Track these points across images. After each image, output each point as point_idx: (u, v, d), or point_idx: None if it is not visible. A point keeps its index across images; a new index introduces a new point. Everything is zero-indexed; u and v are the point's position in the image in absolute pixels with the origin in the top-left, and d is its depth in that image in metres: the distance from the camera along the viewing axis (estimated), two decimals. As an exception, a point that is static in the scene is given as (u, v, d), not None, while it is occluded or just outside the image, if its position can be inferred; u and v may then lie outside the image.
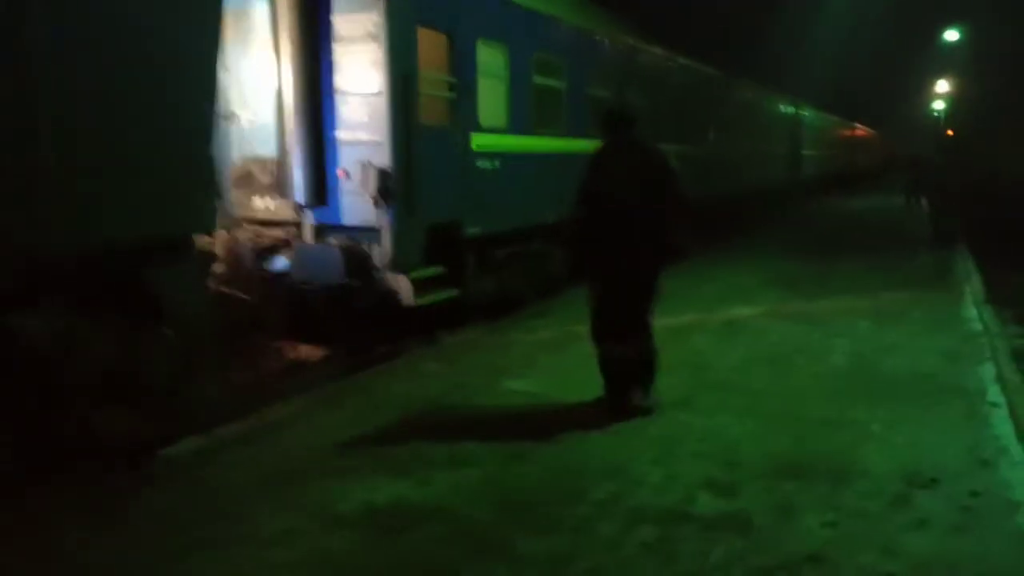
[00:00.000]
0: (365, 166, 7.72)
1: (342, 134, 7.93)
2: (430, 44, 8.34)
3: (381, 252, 7.87)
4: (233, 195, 8.71)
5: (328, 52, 7.84)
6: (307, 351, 8.70)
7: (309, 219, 8.24)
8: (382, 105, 7.67)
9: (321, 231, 8.25)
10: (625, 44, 13.37)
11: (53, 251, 4.86)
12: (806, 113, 31.12)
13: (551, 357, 7.33)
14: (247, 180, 8.64)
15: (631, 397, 5.68)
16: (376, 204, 7.69)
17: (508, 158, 9.60)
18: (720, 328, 8.46)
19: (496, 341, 8.13)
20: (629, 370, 5.67)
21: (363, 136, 7.83)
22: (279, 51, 7.74)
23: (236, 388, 7.10)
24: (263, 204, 8.52)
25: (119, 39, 5.05)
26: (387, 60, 7.58)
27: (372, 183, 7.67)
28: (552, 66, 10.66)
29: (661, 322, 8.58)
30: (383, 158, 7.72)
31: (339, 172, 7.98)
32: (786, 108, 27.83)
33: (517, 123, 9.80)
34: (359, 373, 7.09)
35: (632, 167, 5.51)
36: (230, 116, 8.73)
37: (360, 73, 7.75)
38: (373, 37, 7.61)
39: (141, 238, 5.36)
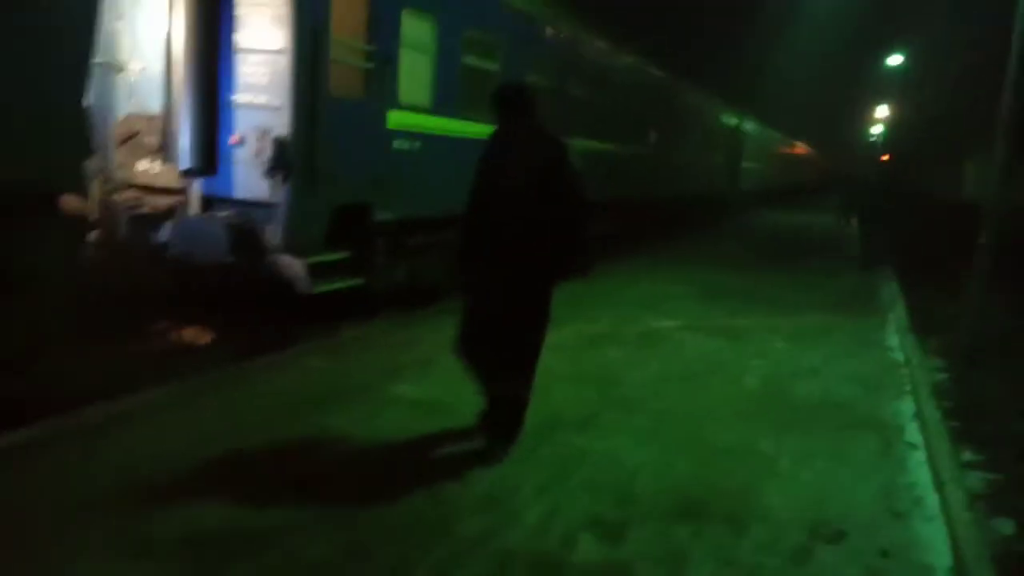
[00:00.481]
0: (262, 133, 6.97)
1: (239, 96, 7.15)
2: (347, 6, 7.61)
3: (274, 231, 7.12)
4: (118, 155, 7.86)
5: (230, 5, 7.04)
6: (189, 334, 7.91)
7: (196, 188, 7.43)
8: (285, 65, 6.90)
9: (210, 203, 7.46)
10: (569, 34, 12.81)
11: None
12: (749, 126, 31.17)
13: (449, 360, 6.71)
14: (133, 139, 7.78)
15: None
16: (271, 177, 6.95)
17: (430, 140, 8.93)
18: (636, 340, 7.98)
19: (399, 337, 7.48)
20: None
21: (262, 100, 7.06)
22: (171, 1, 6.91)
23: (93, 370, 6.29)
24: (149, 167, 7.68)
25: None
26: (293, 14, 6.82)
27: (268, 153, 6.93)
28: (486, 46, 10.02)
29: (574, 328, 8.46)
30: (283, 126, 6.97)
31: (232, 139, 7.20)
32: (729, 118, 27.76)
33: (442, 104, 9.14)
34: (233, 366, 6.36)
35: (526, 161, 4.54)
36: (119, 66, 7.86)
37: (263, 29, 6.97)
38: (280, -12, 6.85)
39: None
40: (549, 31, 11.98)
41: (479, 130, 9.84)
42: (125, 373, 6.25)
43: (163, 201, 7.70)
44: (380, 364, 6.49)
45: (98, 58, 7.57)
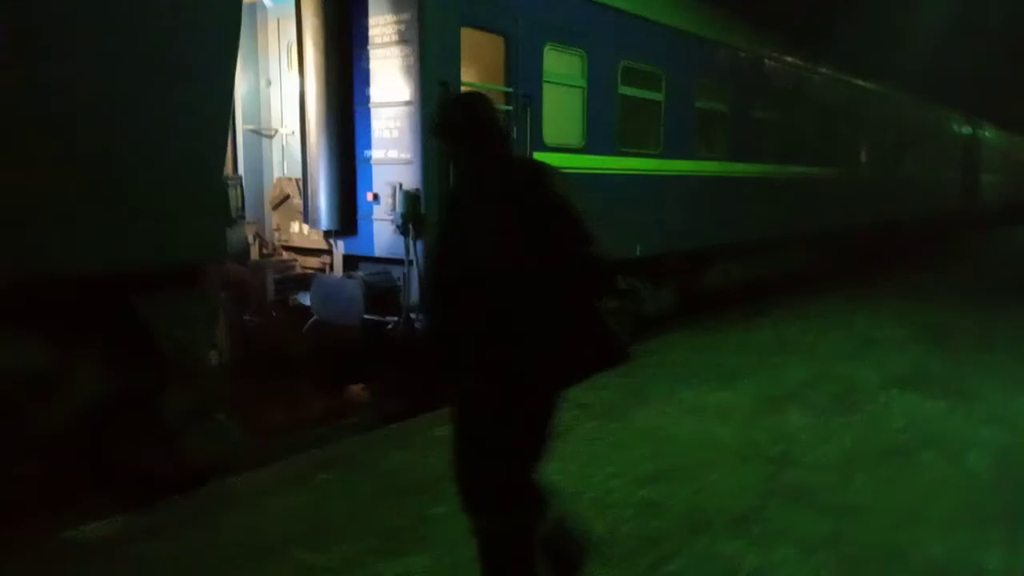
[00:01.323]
0: (394, 189, 6.64)
1: (372, 152, 6.89)
2: (480, 48, 7.19)
3: (411, 290, 6.74)
4: (273, 219, 7.93)
5: (363, 60, 6.83)
6: (324, 400, 7.70)
7: (339, 248, 7.26)
8: (413, 116, 6.56)
9: (352, 262, 7.25)
10: (746, 49, 11.64)
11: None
12: (986, 134, 27.41)
13: (592, 426, 5.88)
14: (285, 202, 7.81)
15: None
16: (403, 232, 6.58)
17: (583, 181, 8.23)
18: (828, 401, 6.66)
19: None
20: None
21: (393, 154, 6.76)
22: (303, 58, 6.81)
23: (238, 437, 6.09)
24: (301, 229, 7.64)
25: (115, 39, 4.29)
26: (420, 64, 6.46)
27: (398, 208, 6.57)
28: (646, 75, 9.19)
29: (753, 385, 7.21)
30: (413, 180, 6.61)
31: (368, 196, 6.94)
32: (962, 127, 24.51)
33: (597, 141, 8.42)
34: (361, 435, 5.96)
35: (500, 209, 2.97)
36: (269, 131, 7.96)
37: (392, 81, 6.68)
38: (405, 39, 6.53)
39: (127, 266, 4.54)
40: (721, 48, 10.92)
41: (641, 166, 9.05)
42: (259, 445, 6.06)
43: (314, 262, 7.63)
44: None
45: (250, 125, 7.73)
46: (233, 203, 6.08)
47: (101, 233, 4.40)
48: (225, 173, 5.90)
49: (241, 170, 7.71)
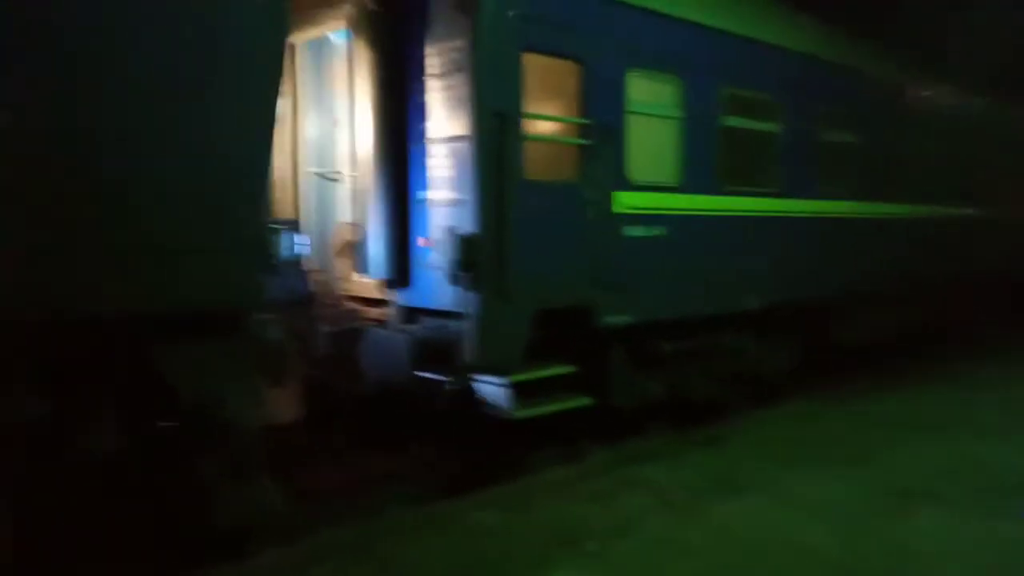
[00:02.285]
0: (447, 233, 5.95)
1: (428, 193, 6.25)
2: (552, 75, 6.42)
3: (467, 345, 5.98)
4: (337, 266, 7.43)
5: (418, 92, 6.23)
6: (392, 459, 7.03)
7: (396, 299, 6.63)
8: (467, 152, 5.87)
9: (414, 315, 6.59)
10: (882, 73, 10.26)
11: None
12: None
13: (661, 523, 4.86)
14: (348, 249, 7.31)
15: None
16: (456, 282, 5.85)
17: (680, 224, 7.25)
18: (969, 496, 5.30)
19: (608, 482, 5.76)
20: None
21: (448, 195, 6.08)
22: (353, 94, 6.31)
23: (277, 504, 5.49)
24: (362, 278, 7.10)
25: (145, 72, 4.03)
26: (473, 94, 5.78)
27: (450, 255, 5.87)
28: (757, 104, 8.12)
29: (871, 472, 5.77)
30: (467, 222, 5.89)
31: (420, 241, 6.30)
32: None
33: (695, 178, 7.41)
34: (379, 523, 5.20)
35: None
36: (334, 175, 7.51)
37: (446, 114, 6.03)
38: (460, 68, 5.87)
39: (139, 308, 4.14)
40: (852, 73, 9.62)
41: (754, 206, 7.97)
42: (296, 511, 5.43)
43: (376, 314, 7.05)
44: (561, 524, 4.86)
45: (315, 167, 7.31)
46: (282, 249, 5.57)
47: (114, 272, 4.02)
48: (274, 217, 5.45)
49: (305, 215, 7.32)
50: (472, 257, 5.79)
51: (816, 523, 4.84)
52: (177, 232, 4.25)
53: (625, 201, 6.74)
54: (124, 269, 4.07)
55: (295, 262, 6.42)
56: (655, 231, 7.02)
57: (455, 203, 5.98)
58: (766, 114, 8.22)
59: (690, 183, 7.35)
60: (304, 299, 6.81)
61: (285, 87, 7.27)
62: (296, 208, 7.33)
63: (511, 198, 5.90)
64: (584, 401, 6.54)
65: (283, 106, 7.33)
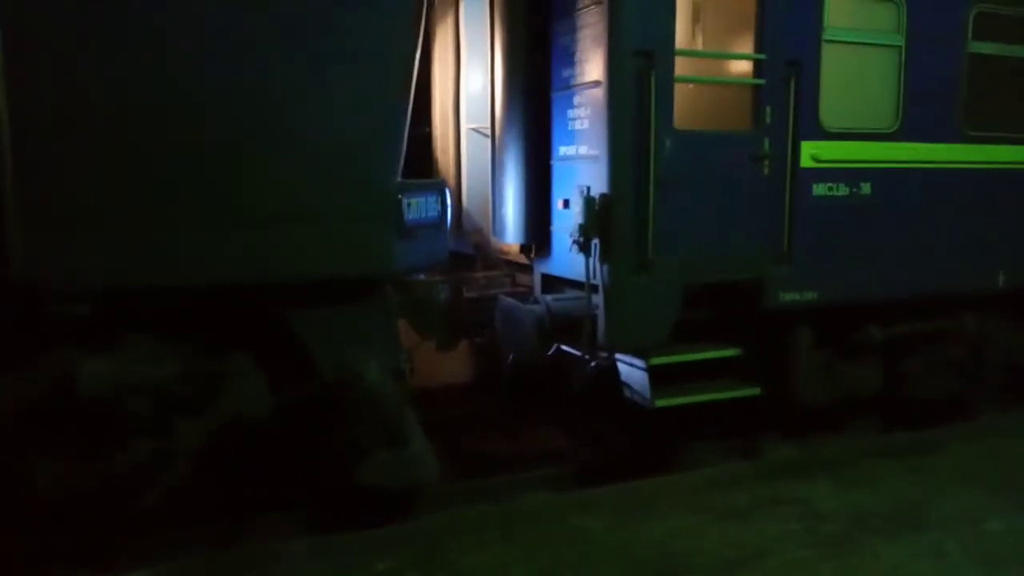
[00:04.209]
0: (581, 193, 5.24)
1: (566, 148, 5.56)
2: (713, 3, 5.35)
3: (599, 322, 5.28)
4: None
5: (563, 33, 5.53)
6: (541, 437, 6.53)
7: (538, 267, 6.06)
8: (601, 100, 5.07)
9: (554, 283, 6.00)
10: None
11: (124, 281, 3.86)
12: None
13: (790, 563, 3.85)
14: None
15: None
16: (582, 250, 5.14)
17: (895, 180, 5.82)
18: None
19: (752, 494, 4.74)
20: None
21: (584, 150, 5.35)
22: (494, 38, 5.74)
23: (429, 472, 5.17)
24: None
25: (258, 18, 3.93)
26: (609, 30, 4.95)
27: (576, 218, 5.16)
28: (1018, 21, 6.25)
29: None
30: (600, 180, 5.13)
31: (559, 203, 5.64)
32: None
33: (922, 122, 5.88)
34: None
35: None
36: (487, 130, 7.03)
37: (587, 57, 5.27)
38: (597, 1, 5.06)
39: (267, 278, 4.14)
40: None
41: (1004, 157, 6.23)
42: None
43: (527, 280, 6.54)
44: (668, 547, 4.05)
45: (474, 123, 6.89)
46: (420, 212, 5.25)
47: (237, 239, 3.98)
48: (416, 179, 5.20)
49: (464, 174, 6.96)
50: (601, 222, 5.04)
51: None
52: (302, 199, 4.12)
53: (815, 153, 5.51)
54: (250, 237, 4.01)
55: (436, 225, 6.10)
56: (857, 189, 5.68)
57: (591, 159, 5.24)
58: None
59: (913, 128, 5.84)
60: (444, 263, 6.49)
61: (449, 40, 6.92)
62: (459, 168, 6.99)
63: (657, 152, 5.02)
64: (750, 391, 5.54)
65: (447, 60, 7.02)
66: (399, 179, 4.46)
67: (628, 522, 4.35)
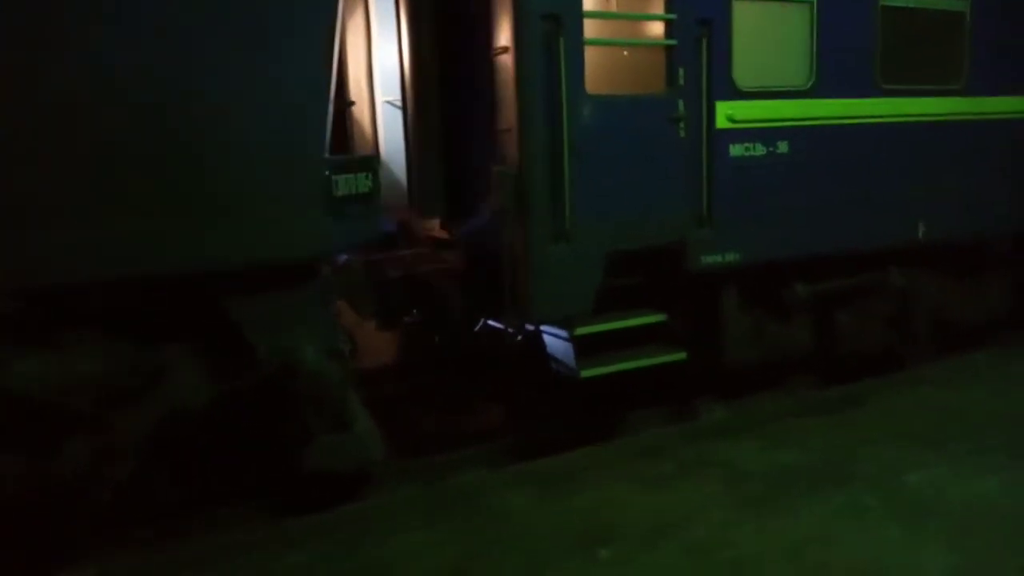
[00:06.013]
0: (493, 165, 5.11)
1: (484, 118, 5.40)
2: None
3: (522, 294, 5.17)
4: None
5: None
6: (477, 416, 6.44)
7: (459, 242, 5.92)
8: (509, 67, 4.93)
9: (478, 259, 5.85)
10: None
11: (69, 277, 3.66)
12: None
13: (713, 526, 3.82)
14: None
15: None
16: (497, 219, 5.02)
17: (812, 137, 5.81)
18: None
19: (678, 460, 4.73)
20: None
21: (498, 119, 5.20)
22: (398, 8, 5.55)
23: (375, 453, 5.04)
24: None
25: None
26: (515, -5, 4.80)
27: (493, 190, 5.04)
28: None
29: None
30: (513, 150, 5.00)
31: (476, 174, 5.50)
32: None
33: (837, 78, 5.86)
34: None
35: None
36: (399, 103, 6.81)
37: (494, 24, 5.11)
38: (501, -41, 4.90)
39: (200, 265, 3.95)
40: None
41: (924, 109, 6.26)
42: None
43: (451, 257, 6.38)
44: (595, 517, 4.00)
45: (390, 96, 6.67)
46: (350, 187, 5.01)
47: (161, 228, 3.76)
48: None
49: (384, 148, 6.75)
50: (514, 193, 4.92)
51: (941, 540, 3.56)
52: (227, 180, 3.92)
53: (730, 113, 5.46)
54: (182, 224, 3.80)
55: (368, 200, 5.91)
56: (774, 149, 5.66)
57: (503, 130, 5.10)
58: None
59: (828, 85, 5.82)
60: (378, 241, 6.30)
61: (359, 9, 6.68)
62: (376, 142, 6.78)
63: (569, 119, 4.90)
64: (676, 356, 5.50)
65: (358, 32, 6.78)
66: (326, 154, 4.28)
67: (555, 495, 4.29)
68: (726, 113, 5.43)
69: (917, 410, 5.34)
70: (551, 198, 4.94)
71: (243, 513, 4.68)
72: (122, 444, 4.15)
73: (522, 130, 4.87)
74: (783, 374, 6.45)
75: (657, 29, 5.49)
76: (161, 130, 3.73)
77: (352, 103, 6.66)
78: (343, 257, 5.72)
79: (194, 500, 4.70)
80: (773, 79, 5.62)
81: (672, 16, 5.21)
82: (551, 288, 5.03)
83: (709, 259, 5.50)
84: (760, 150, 5.59)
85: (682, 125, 5.32)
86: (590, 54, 5.03)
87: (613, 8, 6.20)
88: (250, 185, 3.99)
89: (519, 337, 5.42)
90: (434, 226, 6.24)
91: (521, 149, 4.88)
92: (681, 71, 5.27)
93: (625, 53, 5.92)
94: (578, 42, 4.91)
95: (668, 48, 5.26)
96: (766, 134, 5.60)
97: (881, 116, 6.09)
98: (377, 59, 6.66)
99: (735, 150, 5.51)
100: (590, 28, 5.02)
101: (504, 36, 4.93)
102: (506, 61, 4.93)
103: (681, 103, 5.29)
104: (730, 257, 5.58)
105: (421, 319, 6.17)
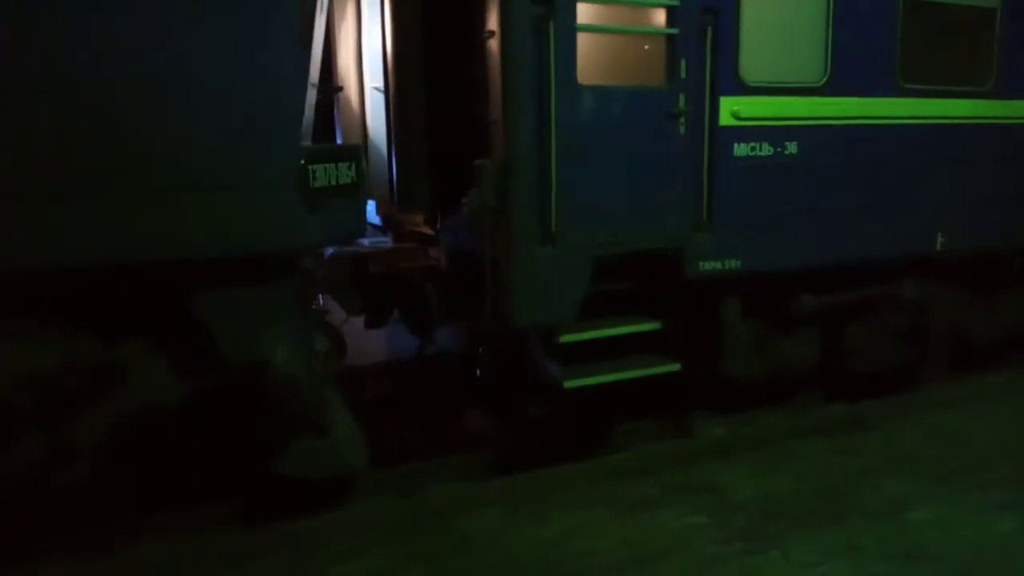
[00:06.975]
0: (476, 159, 4.76)
1: (472, 106, 5.06)
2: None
3: (503, 299, 4.83)
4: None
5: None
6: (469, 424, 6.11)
7: (445, 239, 5.59)
8: (495, 54, 4.58)
9: (462, 257, 5.52)
10: None
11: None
12: None
13: (690, 565, 3.47)
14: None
15: None
16: (479, 222, 4.68)
17: (825, 138, 5.41)
18: None
19: (663, 483, 4.37)
20: None
21: (486, 108, 4.85)
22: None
23: (355, 459, 4.72)
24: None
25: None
26: (497, -22, 4.44)
27: (473, 187, 4.69)
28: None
29: None
30: (498, 143, 4.65)
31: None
32: None
33: (853, 75, 5.45)
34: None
35: None
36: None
37: (486, 3, 4.75)
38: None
39: (173, 256, 3.66)
40: None
41: (948, 110, 5.85)
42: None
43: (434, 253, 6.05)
44: (563, 549, 3.66)
45: (378, 83, 6.33)
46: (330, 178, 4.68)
47: (122, 213, 3.48)
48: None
49: (370, 137, 6.42)
50: (498, 189, 4.58)
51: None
52: (195, 166, 3.62)
53: (736, 110, 5.07)
54: (147, 212, 3.52)
55: (350, 193, 5.58)
56: (782, 149, 5.26)
57: (490, 121, 4.75)
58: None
59: (844, 82, 5.42)
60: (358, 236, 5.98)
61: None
62: (364, 131, 6.46)
63: (558, 111, 4.54)
64: (670, 368, 5.14)
65: (347, 15, 6.45)
66: (305, 143, 3.96)
67: (524, 520, 3.96)
68: (731, 109, 5.05)
69: (926, 436, 4.96)
70: (537, 196, 4.59)
71: (207, 519, 4.39)
72: (76, 444, 3.87)
73: (507, 121, 4.51)
74: (787, 387, 6.08)
75: (658, 17, 5.11)
76: (121, 108, 3.42)
77: (340, 88, 6.36)
78: (329, 251, 5.44)
79: (153, 504, 4.43)
80: (784, 74, 5.22)
81: (675, 3, 4.82)
82: (534, 293, 4.68)
83: (708, 266, 5.12)
84: (767, 150, 5.20)
85: (682, 121, 4.94)
86: (583, 41, 4.67)
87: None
88: (212, 172, 3.67)
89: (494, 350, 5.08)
90: (419, 221, 5.92)
91: (506, 141, 4.53)
92: (683, 63, 4.89)
93: (622, 42, 5.56)
94: (570, 28, 4.54)
95: (669, 37, 4.88)
96: (774, 133, 5.20)
97: (900, 117, 5.67)
98: (366, 44, 6.34)
99: (740, 149, 5.12)
100: (584, 13, 4.65)
101: (492, 19, 4.57)
102: (493, 47, 4.58)
103: (682, 97, 4.91)
104: (731, 264, 5.20)
105: (401, 318, 5.87)
